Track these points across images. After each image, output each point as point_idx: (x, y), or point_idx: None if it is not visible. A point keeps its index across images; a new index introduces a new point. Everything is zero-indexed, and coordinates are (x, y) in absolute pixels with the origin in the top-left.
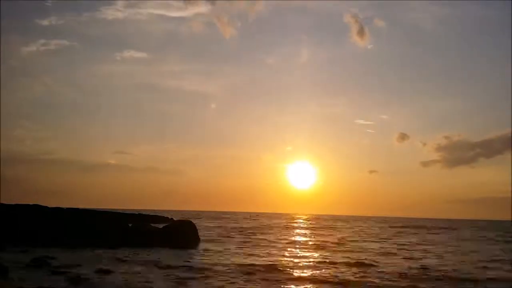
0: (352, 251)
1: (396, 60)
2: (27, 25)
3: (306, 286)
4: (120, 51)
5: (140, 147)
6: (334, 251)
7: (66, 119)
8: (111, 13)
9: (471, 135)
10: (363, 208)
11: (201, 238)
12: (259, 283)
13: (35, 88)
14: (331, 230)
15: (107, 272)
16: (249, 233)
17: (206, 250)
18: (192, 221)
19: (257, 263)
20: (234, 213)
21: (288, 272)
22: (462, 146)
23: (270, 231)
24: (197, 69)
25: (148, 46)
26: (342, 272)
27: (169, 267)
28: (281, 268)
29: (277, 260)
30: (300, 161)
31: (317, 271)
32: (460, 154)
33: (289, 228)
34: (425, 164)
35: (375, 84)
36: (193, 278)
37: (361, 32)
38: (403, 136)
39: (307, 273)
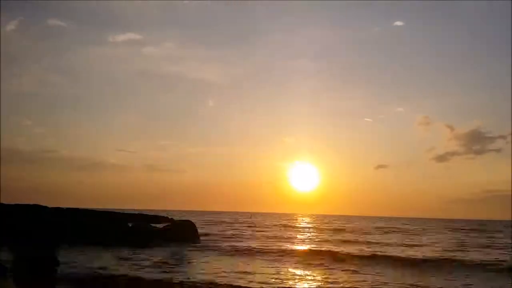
0: None
1: (423, 42)
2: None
3: None
4: (113, 33)
5: (138, 145)
6: None
7: (59, 113)
8: None
9: (496, 128)
10: (372, 208)
11: None
12: None
13: (23, 78)
14: None
15: (107, 271)
16: None
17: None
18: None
19: None
20: (236, 213)
21: None
22: (485, 138)
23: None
24: (198, 53)
25: (145, 25)
26: None
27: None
28: None
29: None
30: (304, 159)
31: None
32: (482, 146)
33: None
34: (442, 157)
35: (391, 73)
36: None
37: None
38: (425, 123)
39: None
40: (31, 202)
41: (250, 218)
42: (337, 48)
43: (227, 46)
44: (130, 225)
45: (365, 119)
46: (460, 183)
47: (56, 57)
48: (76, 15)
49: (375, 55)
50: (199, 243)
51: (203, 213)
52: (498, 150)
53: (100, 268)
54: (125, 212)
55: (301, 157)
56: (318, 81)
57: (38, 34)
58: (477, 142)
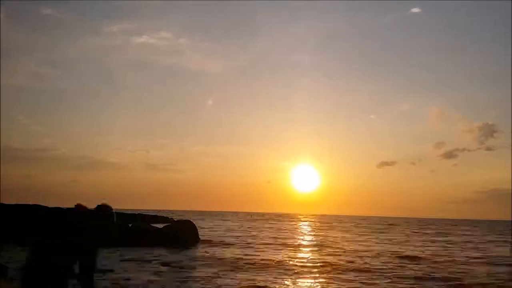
0: None
1: (442, 32)
2: None
3: None
4: (108, 21)
5: (137, 143)
6: None
7: (55, 109)
8: None
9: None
10: (375, 208)
11: None
12: None
13: (15, 72)
14: None
15: (107, 271)
16: None
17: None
18: None
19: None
20: (236, 213)
21: None
22: (497, 133)
23: None
24: (198, 44)
25: (141, 13)
26: None
27: (168, 266)
28: None
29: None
30: (306, 158)
31: None
32: (493, 142)
33: None
34: (450, 153)
35: (402, 65)
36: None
37: None
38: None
39: None
40: (31, 202)
41: (251, 217)
42: (346, 38)
43: (227, 37)
44: (130, 225)
45: (370, 116)
46: (470, 181)
47: (49, 49)
48: (69, 4)
49: (386, 46)
50: (199, 244)
51: (202, 213)
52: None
53: (100, 269)
54: (125, 212)
55: (303, 156)
56: (322, 75)
57: (29, 24)
58: (488, 137)
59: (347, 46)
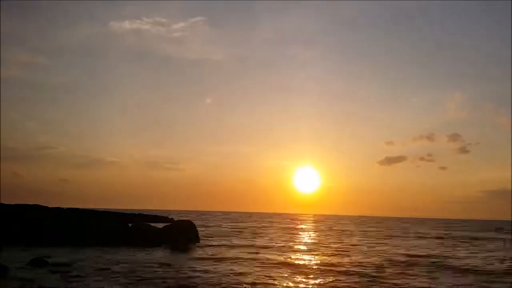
0: None
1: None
2: None
3: None
4: (105, 10)
5: (137, 142)
6: None
7: (51, 105)
8: None
9: None
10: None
11: None
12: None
13: (7, 62)
14: None
15: (107, 271)
16: None
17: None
18: None
19: None
20: (236, 213)
21: None
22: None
23: None
24: (196, 29)
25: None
26: None
27: (168, 266)
28: None
29: None
30: (308, 157)
31: None
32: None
33: None
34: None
35: (413, 56)
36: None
37: None
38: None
39: None
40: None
41: (251, 217)
42: (351, 30)
43: (230, 28)
44: (130, 225)
45: (377, 114)
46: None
47: (43, 38)
48: None
49: (393, 37)
50: (199, 242)
51: (203, 213)
52: None
53: (100, 269)
54: (125, 212)
55: (304, 154)
56: (326, 68)
57: (21, 11)
58: (501, 132)
59: (352, 38)
